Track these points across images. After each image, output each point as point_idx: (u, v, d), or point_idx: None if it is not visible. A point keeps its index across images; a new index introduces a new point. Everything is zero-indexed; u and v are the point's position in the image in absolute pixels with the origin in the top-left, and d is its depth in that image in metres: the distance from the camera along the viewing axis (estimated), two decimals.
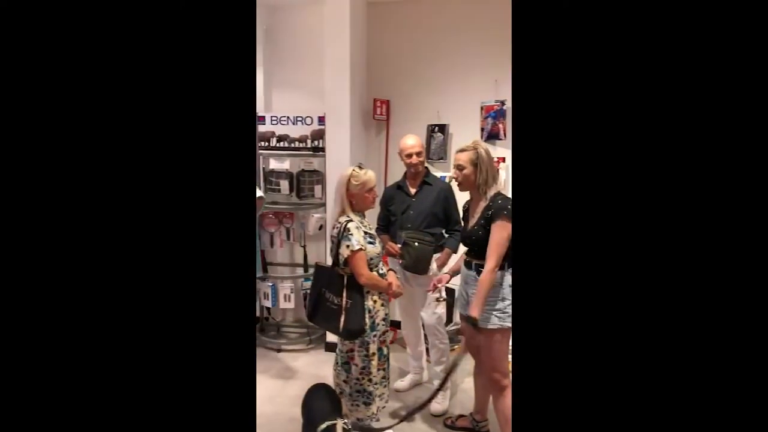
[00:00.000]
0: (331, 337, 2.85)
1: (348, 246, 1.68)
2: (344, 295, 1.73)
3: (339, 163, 2.69)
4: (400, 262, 2.16)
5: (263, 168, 2.95)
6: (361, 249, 1.69)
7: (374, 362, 1.78)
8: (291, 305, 2.94)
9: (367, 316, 1.72)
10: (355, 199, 1.75)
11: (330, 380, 2.55)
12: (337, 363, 1.89)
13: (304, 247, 3.03)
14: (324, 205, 2.86)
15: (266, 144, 2.89)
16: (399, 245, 2.14)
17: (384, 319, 1.82)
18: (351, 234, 1.69)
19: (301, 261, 3.08)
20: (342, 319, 1.71)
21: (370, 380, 1.79)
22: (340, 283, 1.75)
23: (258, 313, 3.16)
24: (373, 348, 1.77)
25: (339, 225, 1.74)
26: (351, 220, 1.72)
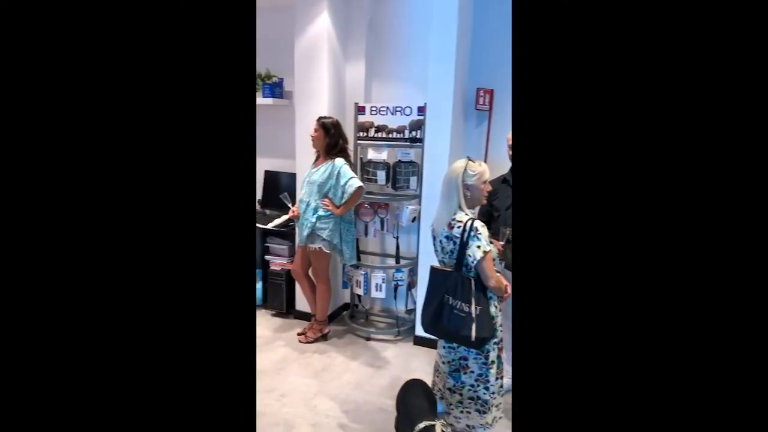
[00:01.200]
0: (420, 331, 2.82)
1: (479, 246, 1.57)
2: (473, 301, 1.59)
3: (437, 155, 2.63)
4: (502, 260, 2.05)
5: (361, 158, 2.98)
6: (489, 250, 1.59)
7: (493, 370, 1.67)
8: (382, 295, 2.95)
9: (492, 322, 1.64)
10: (470, 191, 1.65)
11: (419, 374, 2.52)
12: (438, 370, 1.81)
13: (396, 238, 3.02)
14: (419, 196, 2.82)
15: (365, 134, 2.92)
16: (501, 243, 2.03)
17: (501, 324, 1.72)
18: (480, 233, 1.58)
19: (392, 251, 3.09)
20: (474, 327, 1.57)
21: (486, 388, 1.68)
22: (468, 288, 1.59)
23: (349, 300, 3.23)
24: (492, 356, 1.66)
25: (460, 223, 1.60)
26: (475, 218, 1.62)
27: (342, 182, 2.57)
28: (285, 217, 2.92)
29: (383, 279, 2.92)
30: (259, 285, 3.29)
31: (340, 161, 2.60)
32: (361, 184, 2.57)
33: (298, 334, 2.88)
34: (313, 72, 2.89)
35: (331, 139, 2.62)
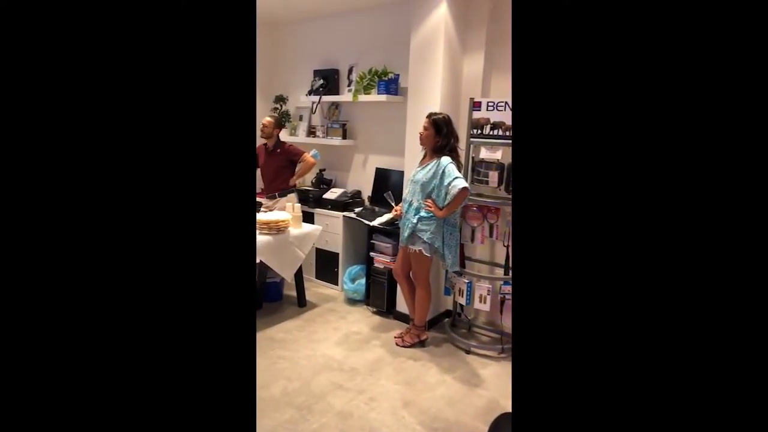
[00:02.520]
0: None
1: None
2: None
3: None
4: None
5: (472, 157, 2.77)
6: None
7: None
8: (486, 307, 2.71)
9: None
10: None
11: None
12: None
13: (507, 247, 2.75)
14: None
15: (479, 132, 2.70)
16: None
17: None
18: None
19: (501, 261, 2.82)
20: None
21: None
22: None
23: (451, 307, 3.06)
24: None
25: None
26: None
27: (446, 182, 2.40)
28: (388, 216, 2.86)
29: (489, 290, 2.68)
30: (362, 281, 3.31)
31: (445, 160, 2.44)
32: (466, 185, 2.37)
33: (395, 337, 2.81)
34: (428, 66, 2.76)
35: (443, 139, 2.46)
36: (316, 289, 3.61)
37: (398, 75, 3.33)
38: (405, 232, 2.58)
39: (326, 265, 3.63)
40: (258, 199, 3.85)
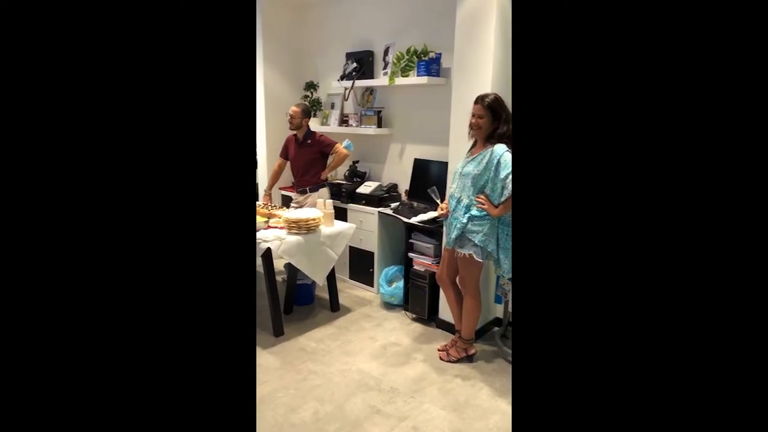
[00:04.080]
0: None
1: None
2: None
3: None
4: None
5: None
6: None
7: None
8: None
9: None
10: None
11: None
12: None
13: None
14: None
15: None
16: None
17: None
18: None
19: None
20: None
21: None
22: None
23: (501, 315, 2.71)
24: None
25: None
26: None
27: (502, 175, 2.04)
28: (432, 214, 2.52)
29: None
30: (400, 284, 3.01)
31: (500, 148, 2.07)
32: None
33: (439, 350, 2.49)
34: (477, 42, 2.40)
35: (501, 125, 2.08)
36: (350, 291, 3.34)
37: (440, 54, 2.98)
38: (452, 233, 2.24)
39: (361, 264, 3.34)
40: (288, 194, 3.61)
